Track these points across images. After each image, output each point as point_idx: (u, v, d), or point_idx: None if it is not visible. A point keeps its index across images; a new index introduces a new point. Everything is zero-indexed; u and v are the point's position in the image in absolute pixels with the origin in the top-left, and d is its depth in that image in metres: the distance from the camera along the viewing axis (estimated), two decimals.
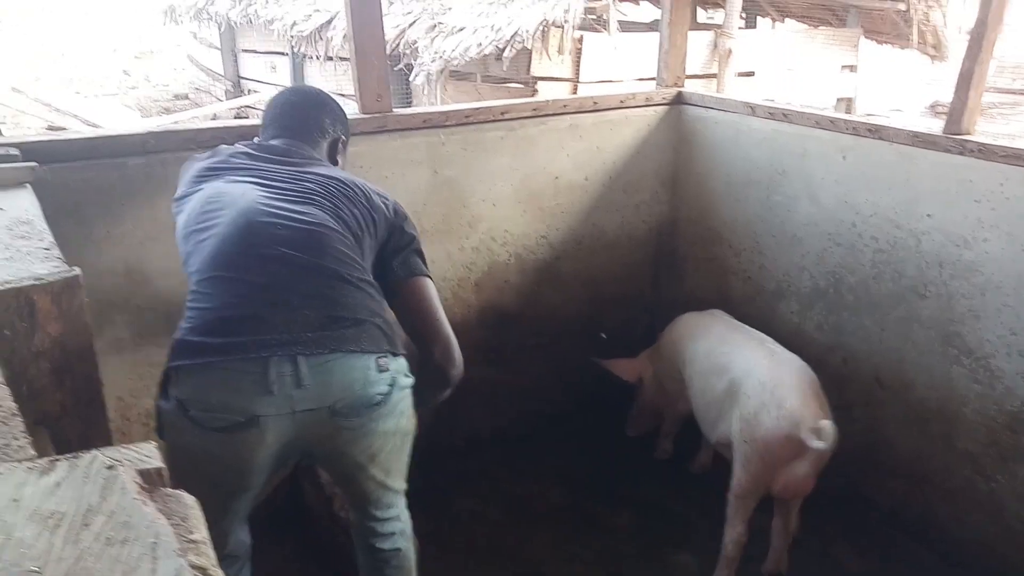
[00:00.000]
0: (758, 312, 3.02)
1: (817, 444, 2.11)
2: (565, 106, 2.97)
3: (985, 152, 2.33)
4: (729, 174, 3.06)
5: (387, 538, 1.88)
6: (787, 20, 8.21)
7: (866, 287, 2.67)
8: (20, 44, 13.00)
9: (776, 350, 2.50)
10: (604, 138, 3.07)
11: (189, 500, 0.77)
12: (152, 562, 0.65)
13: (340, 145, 2.05)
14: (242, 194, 1.74)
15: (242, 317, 1.61)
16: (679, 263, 3.33)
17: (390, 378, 1.68)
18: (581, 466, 3.05)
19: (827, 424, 2.13)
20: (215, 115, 8.82)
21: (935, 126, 2.51)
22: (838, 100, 7.33)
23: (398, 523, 1.88)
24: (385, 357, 1.68)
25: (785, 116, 2.85)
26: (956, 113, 2.42)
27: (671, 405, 2.96)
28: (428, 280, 1.90)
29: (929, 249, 2.48)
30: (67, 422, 1.47)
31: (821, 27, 7.67)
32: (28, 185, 1.89)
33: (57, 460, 0.77)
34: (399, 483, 1.85)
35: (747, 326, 2.72)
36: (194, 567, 0.67)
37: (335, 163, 2.02)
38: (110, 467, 0.76)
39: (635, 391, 3.09)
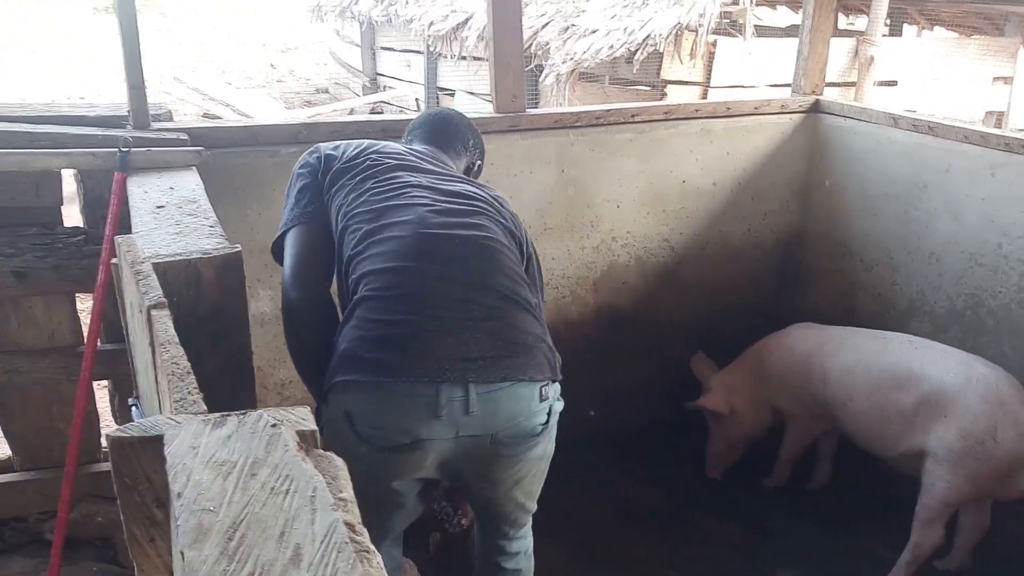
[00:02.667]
0: (887, 329, 2.90)
1: None
2: (697, 111, 2.96)
3: None
4: (865, 186, 2.96)
5: (512, 557, 1.85)
6: (936, 28, 7.77)
7: (1008, 311, 2.53)
8: (180, 37, 14.00)
9: (964, 356, 2.42)
10: (735, 144, 3.04)
11: (339, 462, 0.85)
12: (311, 513, 0.73)
13: (476, 168, 2.04)
14: (412, 196, 1.71)
15: (416, 336, 1.57)
16: (804, 275, 3.25)
17: (548, 407, 1.65)
18: (685, 473, 3.02)
19: None
20: (352, 109, 9.21)
21: None
22: (987, 114, 6.89)
23: (524, 542, 1.87)
24: (547, 385, 1.64)
25: (930, 129, 2.73)
26: None
27: (803, 429, 2.83)
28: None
29: None
30: (219, 385, 1.61)
31: (975, 36, 7.22)
32: (194, 168, 2.07)
33: (228, 416, 0.87)
34: (534, 504, 1.82)
35: (871, 330, 2.65)
36: (345, 524, 0.74)
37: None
38: (274, 425, 0.84)
39: (710, 428, 2.93)
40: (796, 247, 3.24)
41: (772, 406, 2.83)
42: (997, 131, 2.67)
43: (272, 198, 2.36)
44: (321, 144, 1.88)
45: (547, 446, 1.70)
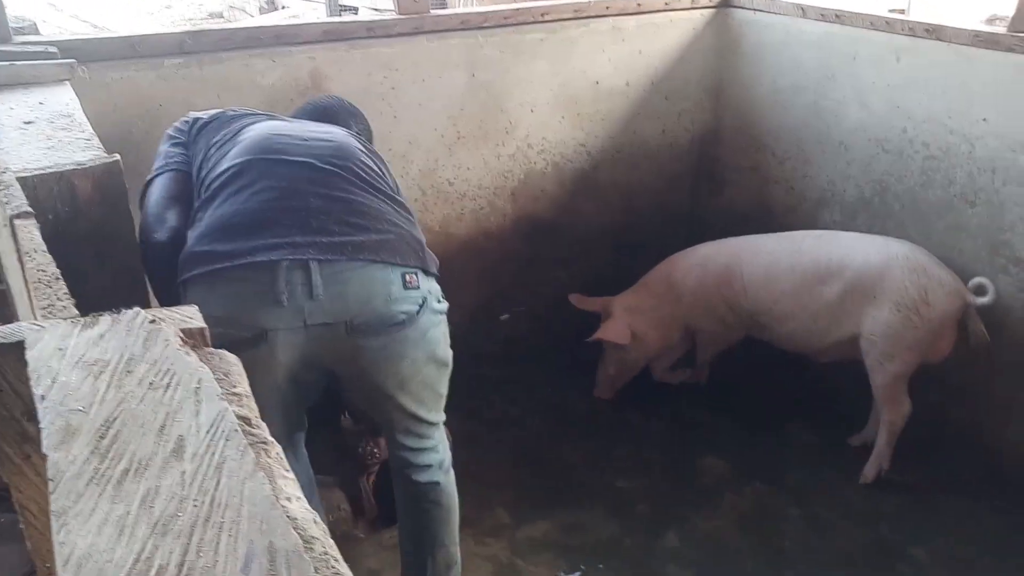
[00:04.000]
0: (799, 222, 2.95)
1: (986, 299, 2.30)
2: (608, 8, 2.87)
3: None
4: (776, 80, 2.96)
5: (423, 470, 1.75)
6: None
7: (913, 195, 2.59)
8: None
9: (874, 238, 2.50)
10: (647, 42, 2.98)
11: (231, 359, 0.78)
12: (195, 405, 0.67)
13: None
14: (267, 125, 1.72)
15: (252, 222, 1.49)
16: (720, 172, 3.26)
17: (419, 297, 1.53)
18: None
19: (985, 280, 2.31)
20: None
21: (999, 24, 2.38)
22: (889, 11, 6.99)
23: (435, 455, 1.75)
24: (414, 273, 1.53)
25: (837, 17, 2.72)
26: (1022, 9, 2.28)
27: (716, 340, 2.86)
28: None
29: (983, 155, 2.38)
30: (106, 307, 1.51)
31: None
32: (67, 83, 1.90)
33: (100, 315, 0.79)
34: (434, 415, 1.71)
35: (776, 233, 2.72)
36: (239, 417, 0.68)
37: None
38: (152, 321, 0.77)
39: (604, 350, 2.88)
40: (711, 145, 3.24)
41: (685, 325, 2.83)
42: (901, 17, 2.67)
43: (158, 114, 2.20)
44: (197, 112, 1.86)
45: (432, 349, 1.59)
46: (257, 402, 1.67)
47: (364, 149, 1.73)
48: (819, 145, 2.85)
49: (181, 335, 0.77)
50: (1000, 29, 2.34)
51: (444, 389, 1.70)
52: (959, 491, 2.49)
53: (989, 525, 2.38)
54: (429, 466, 1.75)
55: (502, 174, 2.90)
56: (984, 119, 2.37)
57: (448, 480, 1.80)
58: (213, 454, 0.61)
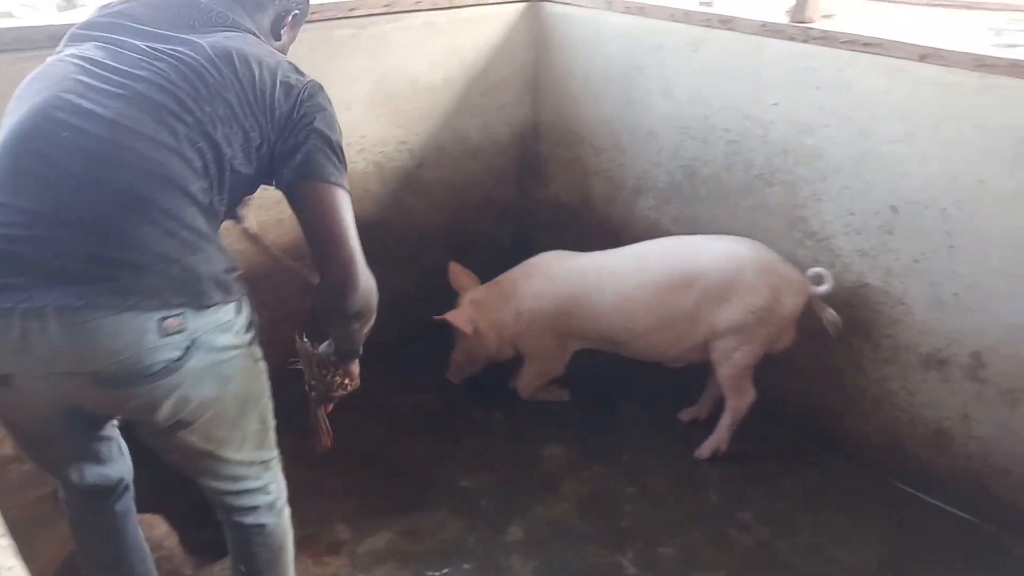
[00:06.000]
0: (618, 211, 3.06)
1: (826, 287, 2.41)
2: (419, 2, 2.83)
3: (827, 39, 2.39)
4: (588, 73, 3.04)
5: (247, 512, 1.61)
6: None
7: (718, 179, 2.74)
8: None
9: (718, 242, 2.55)
10: (462, 37, 2.97)
11: None
12: None
13: (290, 19, 1.68)
14: (59, 80, 1.36)
15: None
16: (543, 166, 3.31)
17: (184, 341, 1.33)
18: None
19: (823, 270, 2.43)
20: None
21: (784, 15, 2.55)
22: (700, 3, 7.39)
23: (261, 496, 1.61)
24: (177, 315, 1.31)
25: (641, 10, 2.83)
26: (802, 1, 2.46)
27: (542, 370, 2.84)
28: (332, 187, 1.46)
29: (776, 138, 2.55)
30: None
31: None
32: None
33: None
34: (247, 454, 1.54)
35: (616, 249, 2.73)
36: None
37: (278, 40, 1.67)
38: None
39: (458, 338, 2.86)
40: (532, 139, 3.28)
41: (515, 338, 2.79)
42: (697, 8, 2.81)
43: None
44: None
45: (222, 387, 1.41)
46: (24, 431, 1.47)
47: (160, 132, 1.34)
48: (631, 135, 2.95)
49: None
50: (784, 19, 2.52)
51: (255, 425, 1.53)
52: (776, 456, 2.68)
53: (803, 483, 2.57)
54: (255, 508, 1.60)
55: None
56: (775, 104, 2.54)
57: (278, 521, 1.66)
58: None
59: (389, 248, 3.03)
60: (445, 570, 2.21)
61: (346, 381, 1.78)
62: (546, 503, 2.46)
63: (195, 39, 1.43)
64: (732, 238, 2.57)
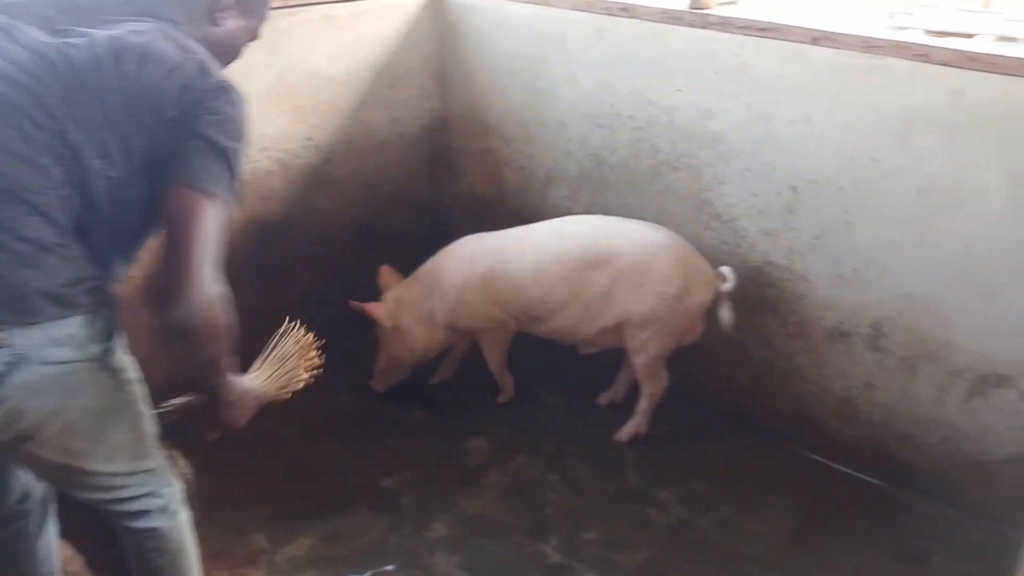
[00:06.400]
0: (531, 201, 3.06)
1: (729, 285, 2.46)
2: None
3: (725, 25, 2.45)
4: (495, 64, 3.02)
5: (137, 517, 1.55)
6: None
7: (626, 166, 2.77)
8: None
9: (637, 225, 2.55)
10: (364, 29, 2.91)
11: None
12: None
13: (233, 2, 1.55)
14: None
15: None
16: (454, 159, 3.29)
17: (8, 355, 1.28)
18: (369, 376, 2.99)
19: (727, 268, 2.48)
20: None
21: (684, 3, 2.59)
22: None
23: (150, 500, 1.55)
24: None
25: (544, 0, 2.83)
26: None
27: (495, 342, 2.80)
28: (201, 195, 1.35)
29: (680, 123, 2.60)
30: None
31: None
32: None
33: None
34: (116, 466, 1.48)
35: (534, 224, 2.72)
36: None
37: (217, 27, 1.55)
38: None
39: (381, 341, 2.79)
40: (441, 132, 3.25)
41: (449, 324, 2.74)
42: None
43: None
44: None
45: (61, 400, 1.35)
46: None
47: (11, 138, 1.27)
48: (540, 125, 2.95)
49: None
50: (684, 6, 2.55)
51: (123, 435, 1.47)
52: (693, 435, 2.74)
53: (719, 460, 2.63)
54: (145, 512, 1.55)
55: None
56: (678, 90, 2.58)
57: (173, 524, 1.59)
58: None
59: (297, 248, 2.95)
60: (368, 573, 2.17)
61: (212, 430, 1.64)
62: (469, 497, 2.45)
63: (95, 32, 1.36)
64: (651, 225, 2.59)
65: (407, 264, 2.91)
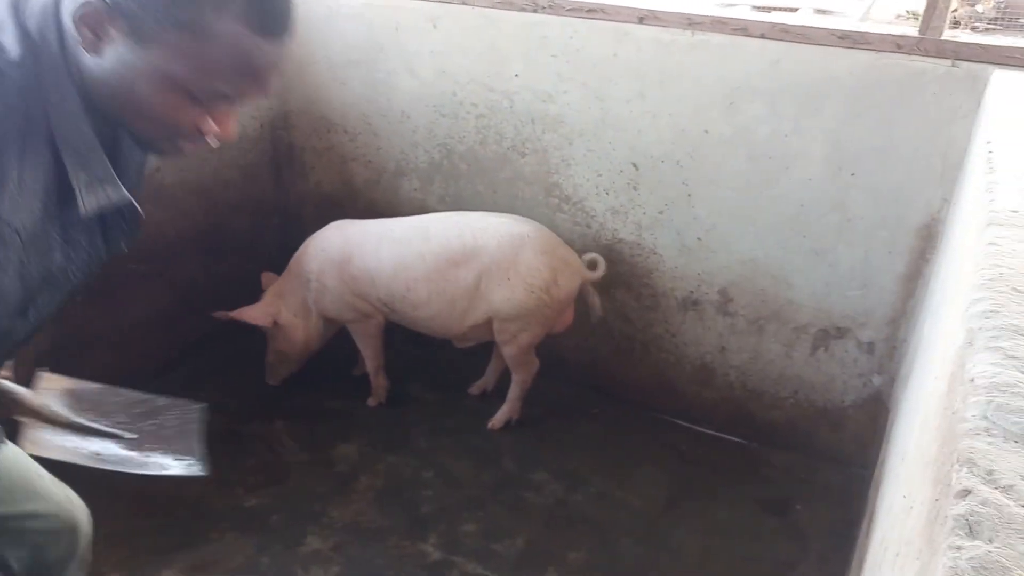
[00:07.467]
0: (383, 195, 3.00)
1: (598, 273, 2.50)
2: None
3: (554, 8, 2.46)
4: (331, 57, 2.92)
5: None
6: None
7: (474, 154, 2.75)
8: None
9: (503, 220, 2.50)
10: None
11: None
12: None
13: (107, 18, 0.93)
14: None
15: None
16: (299, 157, 3.17)
17: None
18: (240, 383, 2.85)
19: (596, 255, 2.51)
20: None
21: None
22: None
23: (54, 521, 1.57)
24: None
25: None
26: None
27: (365, 330, 2.72)
28: None
29: (521, 108, 2.60)
30: None
31: None
32: None
33: None
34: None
35: (403, 217, 2.67)
36: None
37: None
38: None
39: (267, 337, 2.75)
40: (283, 129, 3.12)
41: (321, 312, 2.69)
42: None
43: None
44: None
45: None
46: None
47: None
48: (383, 117, 2.89)
49: None
50: None
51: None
52: (563, 414, 2.77)
53: (589, 435, 2.68)
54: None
55: None
56: (516, 75, 2.58)
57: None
58: None
59: (140, 262, 2.76)
60: None
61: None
62: (341, 505, 2.37)
63: None
64: (516, 218, 2.56)
65: (258, 269, 2.79)
